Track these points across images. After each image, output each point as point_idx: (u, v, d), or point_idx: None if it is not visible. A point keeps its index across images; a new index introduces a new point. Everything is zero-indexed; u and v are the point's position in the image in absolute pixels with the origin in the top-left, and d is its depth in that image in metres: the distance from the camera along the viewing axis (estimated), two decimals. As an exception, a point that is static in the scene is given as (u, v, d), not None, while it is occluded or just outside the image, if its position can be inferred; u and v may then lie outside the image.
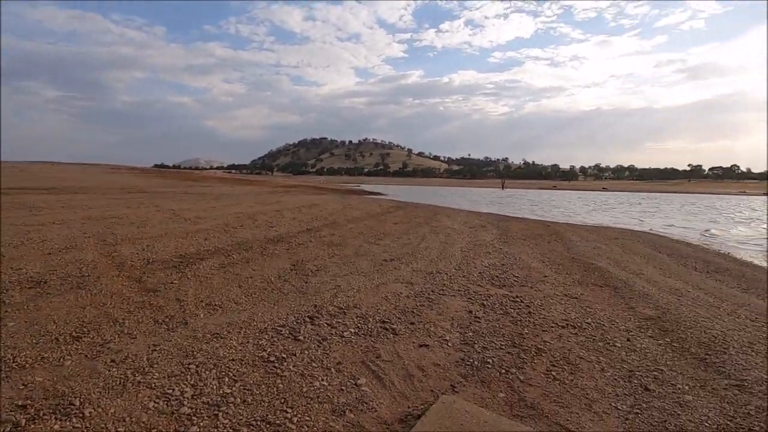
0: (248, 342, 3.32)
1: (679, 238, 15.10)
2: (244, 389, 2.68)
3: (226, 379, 2.76)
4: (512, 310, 4.64)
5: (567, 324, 4.32)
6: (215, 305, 4.13)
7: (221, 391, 2.63)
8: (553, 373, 3.19)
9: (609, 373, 3.25)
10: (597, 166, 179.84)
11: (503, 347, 3.61)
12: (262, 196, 21.00)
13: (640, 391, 3.00)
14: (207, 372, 2.82)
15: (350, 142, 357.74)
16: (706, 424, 2.63)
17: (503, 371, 3.16)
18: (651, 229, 18.44)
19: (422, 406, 2.58)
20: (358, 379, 2.88)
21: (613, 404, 2.80)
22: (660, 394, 2.97)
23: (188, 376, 2.76)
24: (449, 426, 2.26)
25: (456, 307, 4.63)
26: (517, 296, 5.22)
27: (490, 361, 3.31)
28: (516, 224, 14.41)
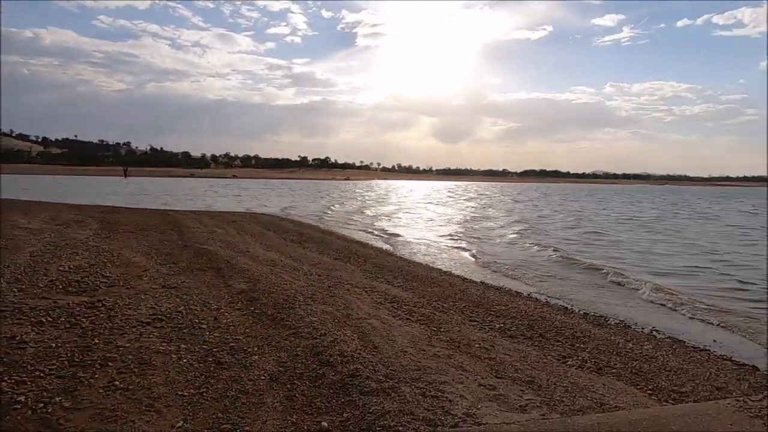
0: None
1: (284, 216, 17.91)
2: None
3: None
4: (85, 320, 3.79)
5: (155, 318, 3.95)
6: None
7: None
8: (117, 382, 2.74)
9: (185, 360, 3.14)
10: (227, 155, 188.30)
11: (51, 374, 2.81)
12: None
13: (212, 368, 3.04)
14: None
15: None
16: (263, 378, 2.94)
17: (39, 409, 2.41)
18: (248, 209, 21.16)
19: None
20: None
21: (179, 393, 2.67)
22: (230, 364, 3.12)
23: None
24: None
25: (-12, 336, 3.30)
26: (99, 300, 4.36)
27: (21, 401, 2.47)
28: (128, 216, 12.69)
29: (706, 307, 6.39)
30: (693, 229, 18.20)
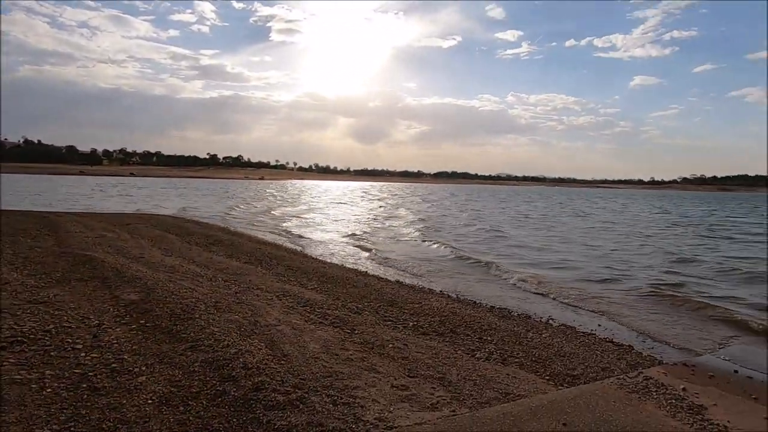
0: None
1: (189, 218, 16.55)
2: None
3: None
4: None
5: (13, 341, 3.29)
6: None
7: None
8: (-51, 426, 2.19)
9: (50, 389, 2.63)
10: (123, 150, 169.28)
11: None
12: None
13: (86, 396, 2.59)
14: None
15: None
16: (150, 402, 2.57)
17: None
18: (139, 210, 19.44)
19: None
20: None
21: (38, 431, 2.22)
22: (110, 389, 2.69)
23: None
24: None
25: None
26: (-66, 323, 3.53)
27: None
28: (-11, 219, 10.69)
29: (587, 295, 7.15)
30: (573, 225, 20.83)
